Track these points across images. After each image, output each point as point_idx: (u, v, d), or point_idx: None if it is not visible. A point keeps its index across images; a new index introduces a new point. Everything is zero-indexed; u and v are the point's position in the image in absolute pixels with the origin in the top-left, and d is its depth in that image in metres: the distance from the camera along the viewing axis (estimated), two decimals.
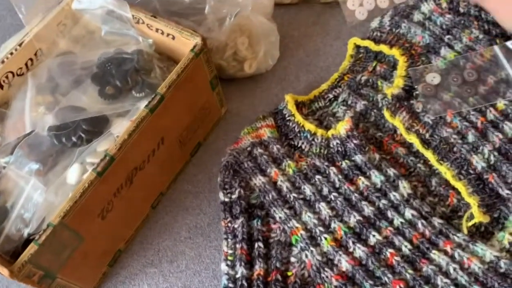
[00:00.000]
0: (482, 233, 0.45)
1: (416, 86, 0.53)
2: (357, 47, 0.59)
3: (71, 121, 0.46)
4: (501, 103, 0.50)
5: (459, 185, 0.47)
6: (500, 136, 0.48)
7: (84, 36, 0.53)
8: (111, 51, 0.50)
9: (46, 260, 0.40)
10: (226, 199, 0.49)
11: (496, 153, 0.47)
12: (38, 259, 0.39)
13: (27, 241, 0.42)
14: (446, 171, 0.48)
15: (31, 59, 0.51)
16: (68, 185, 0.44)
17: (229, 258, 0.46)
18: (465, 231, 0.45)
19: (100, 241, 0.46)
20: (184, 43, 0.48)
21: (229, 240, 0.47)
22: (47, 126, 0.46)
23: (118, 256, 0.50)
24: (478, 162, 0.48)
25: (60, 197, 0.43)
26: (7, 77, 0.50)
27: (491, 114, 0.50)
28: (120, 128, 0.47)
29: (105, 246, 0.47)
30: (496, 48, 0.53)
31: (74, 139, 0.45)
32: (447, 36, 0.55)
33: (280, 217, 0.48)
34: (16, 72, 0.50)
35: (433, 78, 0.53)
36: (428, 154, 0.49)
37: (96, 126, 0.46)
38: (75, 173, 0.44)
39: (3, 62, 0.49)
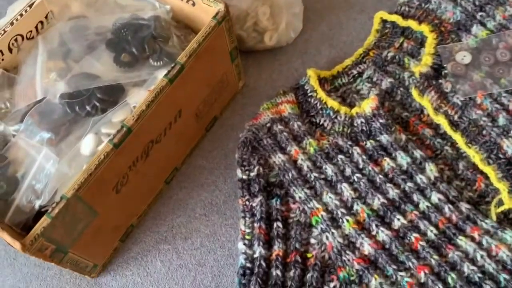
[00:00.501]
0: (511, 220, 0.44)
1: (445, 65, 0.50)
2: (384, 21, 0.56)
3: (85, 89, 0.43)
4: None
5: (488, 170, 0.45)
6: None
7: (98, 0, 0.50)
8: (127, 17, 0.48)
9: (59, 234, 0.38)
10: (244, 177, 0.47)
11: None
12: (50, 233, 0.37)
13: (39, 213, 0.40)
14: (474, 154, 0.46)
15: (41, 22, 0.49)
16: (82, 156, 0.42)
17: (247, 237, 0.45)
18: (494, 217, 0.43)
19: (114, 215, 0.44)
20: (205, 10, 0.46)
21: (247, 218, 0.46)
22: (59, 93, 0.44)
23: (130, 231, 0.48)
24: (508, 147, 0.46)
25: (74, 169, 0.41)
26: (16, 40, 0.47)
27: None
28: (136, 98, 0.44)
29: (118, 221, 0.46)
30: None
31: (88, 108, 0.42)
32: (480, 13, 0.52)
33: (300, 197, 0.46)
34: (26, 35, 0.48)
35: (464, 57, 0.50)
36: (457, 137, 0.47)
37: (111, 95, 0.43)
38: (90, 144, 0.42)
39: (12, 24, 0.46)
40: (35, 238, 0.36)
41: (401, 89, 0.51)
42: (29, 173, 0.41)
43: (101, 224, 0.43)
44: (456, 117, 0.48)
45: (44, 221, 0.36)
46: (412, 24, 0.53)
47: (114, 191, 0.42)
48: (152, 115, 0.42)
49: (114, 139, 0.39)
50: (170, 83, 0.42)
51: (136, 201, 0.47)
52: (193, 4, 0.47)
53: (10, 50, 0.47)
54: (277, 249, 0.44)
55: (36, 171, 0.41)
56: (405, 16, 0.55)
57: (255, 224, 0.45)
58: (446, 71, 0.50)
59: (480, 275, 0.40)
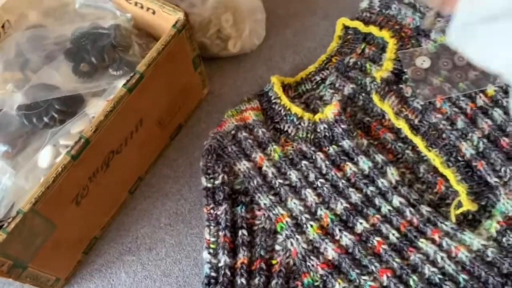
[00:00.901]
0: (470, 221, 0.45)
1: (405, 70, 0.51)
2: (346, 28, 0.56)
3: (43, 100, 0.42)
4: (491, 89, 0.49)
5: (447, 172, 0.46)
6: (490, 122, 0.47)
7: (57, 8, 0.49)
8: (86, 26, 0.47)
9: (16, 249, 0.37)
10: (209, 185, 0.47)
11: (485, 140, 0.47)
12: (6, 248, 0.36)
13: None
14: (434, 157, 0.47)
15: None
16: (40, 168, 0.41)
17: (212, 246, 0.44)
18: (453, 219, 0.44)
19: (74, 228, 0.43)
20: (165, 18, 0.45)
21: (211, 227, 0.45)
22: (16, 105, 0.43)
23: (93, 243, 0.48)
24: (467, 149, 0.47)
25: (31, 182, 0.40)
26: None
27: (480, 100, 0.49)
28: (95, 109, 0.44)
29: (80, 233, 0.45)
30: None
31: (46, 119, 0.41)
32: (438, 19, 0.54)
33: (265, 204, 0.46)
34: None
35: (423, 62, 0.51)
36: (417, 140, 0.48)
37: (70, 106, 0.43)
38: (47, 156, 0.41)
39: None
40: None
41: (363, 94, 0.51)
42: None
43: (61, 237, 0.42)
44: (416, 121, 0.49)
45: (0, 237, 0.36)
46: (373, 30, 0.54)
47: (74, 204, 0.42)
48: (111, 125, 0.41)
49: (72, 150, 0.39)
50: (129, 92, 0.41)
51: (98, 212, 0.46)
52: (153, 13, 0.47)
53: None
54: (242, 257, 0.44)
55: None
56: (366, 22, 0.55)
57: (220, 233, 0.45)
58: (406, 76, 0.51)
59: (440, 276, 0.41)
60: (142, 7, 0.47)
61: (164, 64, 0.44)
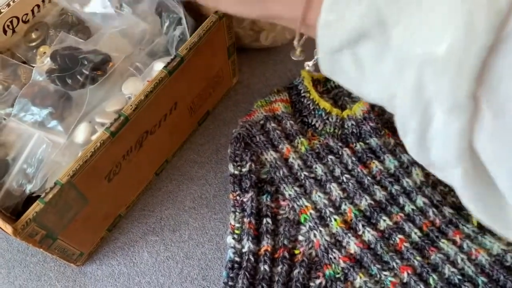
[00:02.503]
0: None
1: None
2: None
3: (71, 62, 0.43)
4: None
5: None
6: None
7: None
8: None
9: (50, 220, 0.38)
10: (236, 172, 0.48)
11: None
12: (42, 218, 0.37)
13: (28, 198, 0.40)
14: None
15: (37, 6, 0.48)
16: (75, 144, 0.41)
17: (236, 231, 0.45)
18: (475, 222, 0.45)
19: (103, 204, 0.44)
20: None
21: (237, 213, 0.46)
22: (45, 69, 0.43)
23: (118, 221, 0.48)
24: None
25: (67, 157, 0.40)
26: (11, 22, 0.46)
27: None
28: (131, 89, 0.44)
29: (107, 210, 0.45)
30: None
31: (81, 78, 0.42)
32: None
33: (289, 195, 0.47)
34: (22, 18, 0.47)
35: None
36: None
37: (99, 65, 0.43)
38: (83, 132, 0.42)
39: (8, 5, 0.46)
40: (27, 223, 0.36)
41: None
42: (21, 156, 0.40)
43: (91, 212, 0.42)
44: None
45: (36, 206, 0.36)
46: None
47: (106, 180, 0.42)
48: (149, 106, 0.42)
49: (111, 127, 0.39)
50: (169, 75, 0.42)
51: (126, 190, 0.47)
52: None
53: (5, 31, 0.46)
54: (266, 244, 0.44)
55: (28, 155, 0.40)
56: None
57: (245, 219, 0.46)
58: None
59: (460, 277, 0.42)
60: None
61: (203, 50, 0.45)
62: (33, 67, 0.45)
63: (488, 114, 0.23)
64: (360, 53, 0.26)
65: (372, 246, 0.44)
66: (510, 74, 0.22)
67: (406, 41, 0.24)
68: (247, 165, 0.48)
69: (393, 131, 0.50)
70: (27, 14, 0.47)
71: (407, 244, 0.43)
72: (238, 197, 0.47)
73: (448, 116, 0.23)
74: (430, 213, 0.45)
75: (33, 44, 0.47)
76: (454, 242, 0.44)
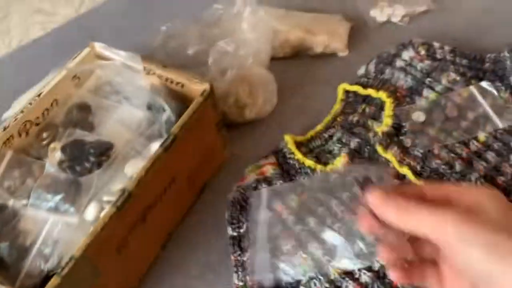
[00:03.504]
0: None
1: (404, 124, 0.58)
2: (347, 92, 0.64)
3: (78, 151, 0.49)
4: (482, 136, 0.55)
5: None
6: (485, 164, 0.53)
7: (97, 87, 0.57)
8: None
9: None
10: (235, 234, 0.51)
11: (482, 180, 0.52)
12: None
13: (46, 277, 0.43)
14: None
15: (47, 109, 0.55)
16: (87, 222, 0.46)
17: None
18: None
19: (115, 277, 0.47)
20: (192, 89, 0.53)
21: (239, 272, 0.49)
22: (56, 162, 0.49)
23: None
24: None
25: (80, 234, 0.45)
26: (25, 125, 0.53)
27: (474, 146, 0.55)
28: (133, 169, 0.50)
29: (120, 283, 0.49)
30: (472, 87, 0.59)
31: (87, 165, 0.47)
32: (428, 79, 0.61)
33: (287, 249, 0.50)
34: (34, 121, 0.54)
35: (419, 116, 0.58)
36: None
37: (103, 151, 0.49)
38: (93, 211, 0.46)
39: (22, 112, 0.53)
40: None
41: (368, 147, 0.57)
42: (38, 239, 0.44)
43: (103, 286, 0.46)
44: (418, 168, 0.55)
45: (54, 281, 0.40)
46: (371, 92, 0.62)
47: (116, 253, 0.46)
48: (149, 181, 0.47)
49: (117, 202, 0.44)
50: (165, 151, 0.48)
51: (136, 263, 0.50)
52: (182, 86, 0.54)
53: (20, 134, 0.53)
54: None
55: (44, 238, 0.45)
56: (364, 86, 0.63)
57: (247, 277, 0.48)
58: (405, 129, 0.58)
59: None
60: (172, 82, 0.55)
61: (194, 127, 0.51)
62: (46, 161, 0.51)
63: None
64: None
65: (370, 287, 0.46)
66: None
67: None
68: (244, 226, 0.51)
69: None
70: (38, 117, 0.54)
71: None
72: (239, 257, 0.50)
73: None
74: None
75: (45, 142, 0.54)
76: None
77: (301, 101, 0.66)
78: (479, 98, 0.58)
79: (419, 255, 0.39)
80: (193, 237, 0.55)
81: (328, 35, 0.69)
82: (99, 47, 0.58)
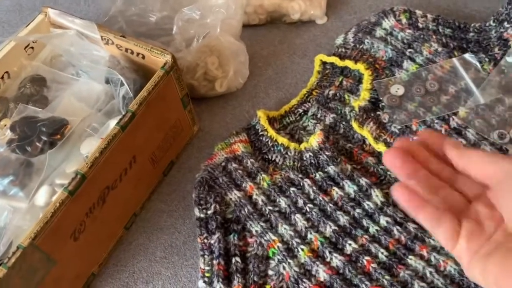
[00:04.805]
0: None
1: (381, 98, 0.55)
2: (323, 63, 0.60)
3: (30, 130, 0.45)
4: (462, 112, 0.53)
5: None
6: (464, 142, 0.50)
7: (53, 58, 0.53)
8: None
9: (15, 285, 0.38)
10: (202, 215, 0.49)
11: None
12: (6, 284, 0.37)
13: None
14: None
15: None
16: (37, 207, 0.43)
17: (206, 274, 0.46)
18: None
19: (73, 264, 0.45)
20: (154, 61, 0.49)
21: (205, 256, 0.47)
22: (6, 141, 0.45)
23: (91, 280, 0.48)
24: None
25: (29, 221, 0.41)
26: None
27: (454, 122, 0.52)
28: (89, 148, 0.46)
29: (78, 269, 0.46)
30: (455, 60, 0.56)
31: (39, 145, 0.44)
32: (408, 50, 0.58)
33: (256, 231, 0.48)
34: None
35: (397, 90, 0.55)
36: None
37: (57, 130, 0.45)
38: (44, 195, 0.43)
39: None
40: None
41: (344, 123, 0.54)
42: None
43: (61, 273, 0.43)
44: None
45: (0, 272, 0.37)
46: (349, 63, 0.58)
47: (72, 239, 0.43)
48: (106, 162, 0.43)
49: (69, 186, 0.41)
50: (122, 130, 0.44)
51: (95, 248, 0.48)
52: (143, 57, 0.50)
53: None
54: (237, 283, 0.45)
55: None
56: (342, 57, 0.59)
57: (214, 261, 0.46)
58: (383, 104, 0.55)
59: None
60: (132, 52, 0.50)
61: (155, 103, 0.47)
62: None
63: None
64: None
65: (341, 271, 0.44)
66: None
67: None
68: (212, 207, 0.49)
69: (349, 157, 0.52)
70: None
71: (374, 265, 0.44)
72: (205, 240, 0.48)
73: None
74: (395, 231, 0.46)
75: None
76: (421, 257, 0.44)
77: (275, 73, 0.62)
78: (462, 71, 0.55)
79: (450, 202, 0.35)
80: (159, 218, 0.52)
81: (305, 0, 0.64)
82: (53, 13, 0.53)
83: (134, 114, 0.45)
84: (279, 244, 0.46)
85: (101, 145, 0.43)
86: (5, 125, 0.48)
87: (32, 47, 0.53)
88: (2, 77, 0.51)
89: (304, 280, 0.44)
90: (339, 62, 0.59)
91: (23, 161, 0.44)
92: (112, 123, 0.47)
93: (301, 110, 0.57)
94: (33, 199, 0.43)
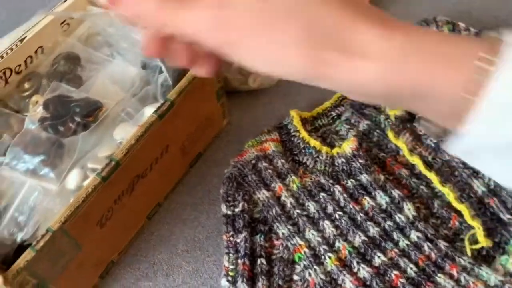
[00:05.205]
0: (484, 257, 0.46)
1: None
2: None
3: (63, 109, 0.43)
4: None
5: (462, 207, 0.47)
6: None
7: (89, 36, 0.51)
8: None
9: (42, 268, 0.37)
10: (229, 212, 0.48)
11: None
12: (34, 267, 0.36)
13: (20, 246, 0.39)
14: (449, 192, 0.48)
15: (30, 57, 0.49)
16: (67, 190, 0.42)
17: (230, 273, 0.45)
18: (469, 253, 0.45)
19: (96, 250, 0.44)
20: None
21: (230, 255, 0.46)
22: (38, 118, 0.44)
23: (110, 267, 0.47)
24: (478, 187, 0.48)
25: (59, 204, 0.40)
26: (4, 73, 0.47)
27: None
28: (123, 134, 0.45)
29: (100, 256, 0.45)
30: None
31: (72, 126, 0.42)
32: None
33: (283, 233, 0.47)
34: (15, 69, 0.48)
35: None
36: (432, 176, 0.49)
37: (91, 112, 0.44)
38: (75, 179, 0.42)
39: (1, 57, 0.47)
40: (18, 272, 0.35)
41: (378, 131, 0.53)
42: (12, 205, 0.40)
43: (84, 259, 0.42)
44: (430, 158, 0.51)
45: (28, 254, 0.36)
46: None
47: (98, 226, 0.42)
48: (140, 150, 0.42)
49: (103, 172, 0.40)
50: (160, 119, 0.43)
51: (118, 236, 0.47)
52: None
53: None
54: (261, 285, 0.44)
55: (19, 203, 0.40)
56: None
57: (239, 261, 0.45)
58: (419, 115, 0.53)
59: None
60: None
61: (192, 93, 0.46)
62: (26, 116, 0.46)
63: None
64: None
65: (368, 283, 0.43)
66: None
67: None
68: (240, 205, 0.48)
69: (382, 167, 0.51)
70: (20, 65, 0.48)
71: (402, 280, 0.43)
72: (231, 238, 0.47)
73: None
74: (425, 248, 0.45)
75: (26, 94, 0.48)
76: (451, 276, 0.43)
77: None
78: None
79: None
80: (183, 211, 0.51)
81: None
82: None
83: (173, 103, 0.44)
84: (306, 250, 0.45)
85: (137, 132, 0.42)
86: (37, 102, 0.47)
87: (68, 23, 0.51)
88: (36, 52, 0.50)
89: None
90: None
91: (55, 141, 0.43)
92: (148, 111, 0.45)
93: (334, 114, 0.56)
94: (63, 182, 0.41)
